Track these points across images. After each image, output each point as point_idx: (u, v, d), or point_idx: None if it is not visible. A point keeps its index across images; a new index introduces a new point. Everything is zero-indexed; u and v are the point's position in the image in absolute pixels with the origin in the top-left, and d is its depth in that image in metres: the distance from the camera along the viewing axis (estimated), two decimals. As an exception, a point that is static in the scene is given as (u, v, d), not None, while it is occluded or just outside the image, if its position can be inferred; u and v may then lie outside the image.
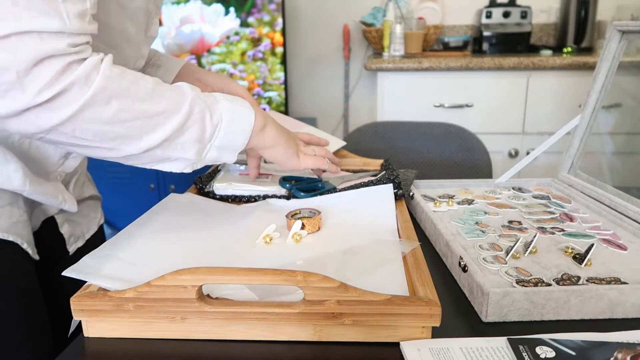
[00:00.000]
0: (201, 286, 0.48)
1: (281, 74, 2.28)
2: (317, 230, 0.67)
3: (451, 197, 0.86)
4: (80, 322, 0.50)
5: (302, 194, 0.78)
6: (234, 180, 0.83)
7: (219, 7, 2.21)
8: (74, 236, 0.78)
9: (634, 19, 2.15)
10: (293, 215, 0.68)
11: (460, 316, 0.55)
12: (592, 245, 0.62)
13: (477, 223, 0.74)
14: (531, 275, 0.58)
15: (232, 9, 2.20)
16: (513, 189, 0.90)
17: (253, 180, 0.83)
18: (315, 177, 0.85)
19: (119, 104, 0.52)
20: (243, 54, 2.26)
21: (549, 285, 0.55)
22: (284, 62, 2.27)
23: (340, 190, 0.79)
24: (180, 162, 0.60)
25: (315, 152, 0.78)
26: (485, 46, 2.34)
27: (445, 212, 0.79)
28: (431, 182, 0.92)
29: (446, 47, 2.41)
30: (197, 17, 2.21)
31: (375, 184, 0.78)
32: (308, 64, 2.64)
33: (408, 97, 2.10)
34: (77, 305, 0.49)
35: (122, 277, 0.53)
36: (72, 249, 0.77)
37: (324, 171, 0.82)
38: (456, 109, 2.09)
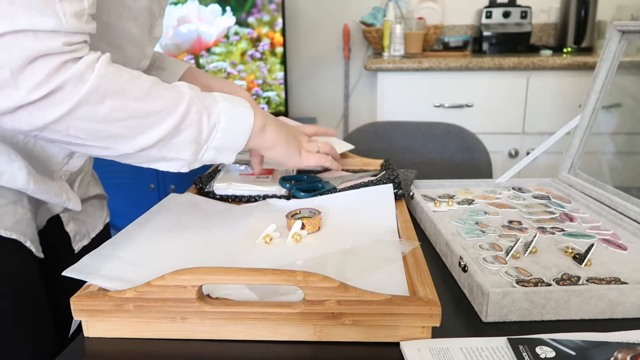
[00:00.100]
0: (201, 286, 0.48)
1: (281, 74, 2.28)
2: (317, 230, 0.67)
3: (451, 197, 0.86)
4: (80, 322, 0.50)
5: (302, 194, 0.78)
6: (234, 180, 0.83)
7: (216, 7, 2.21)
8: (79, 234, 0.78)
9: (634, 19, 2.15)
10: (293, 215, 0.68)
11: (460, 316, 0.55)
12: (592, 245, 0.62)
13: (477, 223, 0.74)
14: (531, 275, 0.58)
15: (228, 9, 2.20)
16: (513, 189, 0.90)
17: (258, 175, 0.82)
18: (316, 176, 0.85)
19: (113, 103, 0.52)
20: (243, 54, 2.26)
21: (549, 285, 0.55)
22: (283, 62, 2.27)
23: (340, 190, 0.79)
24: (176, 162, 0.60)
25: (318, 148, 0.77)
26: (485, 46, 2.34)
27: (445, 212, 0.79)
28: (431, 182, 0.92)
29: (446, 47, 2.41)
30: (195, 17, 2.22)
31: (375, 184, 0.78)
32: (308, 64, 2.64)
33: (408, 97, 2.10)
34: (77, 305, 0.49)
35: (122, 277, 0.53)
36: (77, 247, 0.77)
37: (326, 170, 0.82)
38: (456, 109, 2.09)
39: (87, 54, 0.51)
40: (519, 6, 2.32)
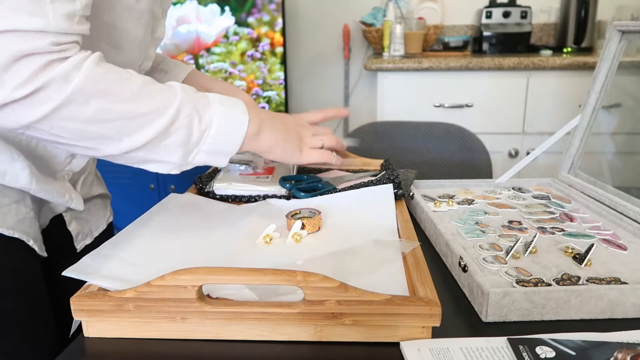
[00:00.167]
0: (201, 286, 0.48)
1: (281, 74, 2.28)
2: (317, 230, 0.67)
3: (451, 197, 0.86)
4: (80, 322, 0.50)
5: (302, 194, 0.78)
6: (234, 180, 0.83)
7: (214, 7, 2.21)
8: (82, 234, 0.78)
9: (634, 19, 2.15)
10: (293, 215, 0.68)
11: (460, 316, 0.55)
12: (592, 245, 0.62)
13: (477, 223, 0.74)
14: (531, 275, 0.58)
15: (227, 9, 2.20)
16: (513, 189, 0.90)
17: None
18: (316, 176, 0.85)
19: (99, 104, 0.51)
20: (243, 54, 2.26)
21: (549, 285, 0.55)
22: (283, 62, 2.27)
23: (340, 190, 0.79)
24: (165, 164, 0.59)
25: (323, 143, 0.74)
26: (485, 46, 2.34)
27: (445, 212, 0.79)
28: (431, 182, 0.92)
29: (446, 47, 2.41)
30: (193, 17, 2.22)
31: (375, 184, 0.78)
32: (308, 64, 2.64)
33: (408, 97, 2.10)
34: (77, 305, 0.49)
35: (122, 277, 0.53)
36: (79, 246, 0.77)
37: (326, 170, 0.81)
38: (456, 109, 2.09)
39: (75, 53, 0.50)
40: (519, 6, 2.32)
